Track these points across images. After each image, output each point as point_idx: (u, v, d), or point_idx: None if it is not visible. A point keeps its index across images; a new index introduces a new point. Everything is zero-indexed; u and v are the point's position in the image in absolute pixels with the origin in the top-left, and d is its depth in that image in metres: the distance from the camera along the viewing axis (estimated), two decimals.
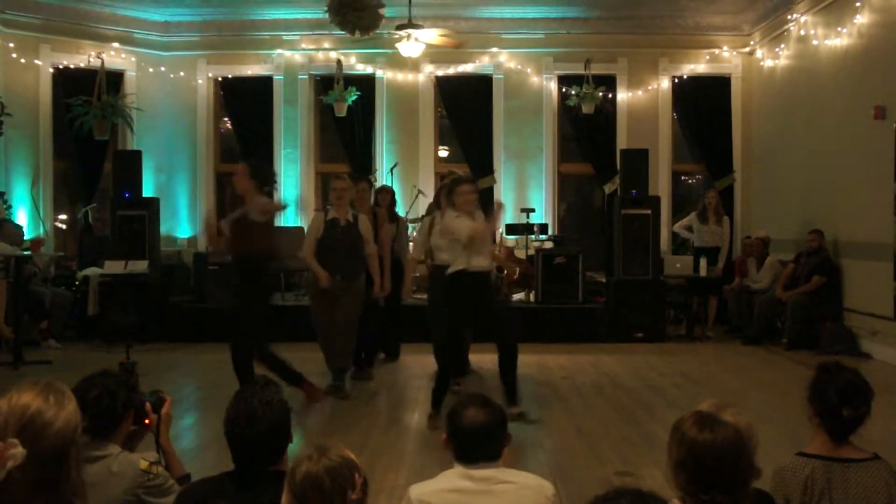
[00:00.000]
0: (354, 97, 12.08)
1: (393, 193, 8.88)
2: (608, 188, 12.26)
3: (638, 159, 10.62)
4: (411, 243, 10.80)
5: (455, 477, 2.71)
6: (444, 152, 13.18)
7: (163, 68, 12.59)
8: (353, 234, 7.11)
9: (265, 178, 6.50)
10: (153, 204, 10.85)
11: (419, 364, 8.58)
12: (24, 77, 11.45)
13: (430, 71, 12.48)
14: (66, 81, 11.69)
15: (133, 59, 12.38)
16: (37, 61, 11.54)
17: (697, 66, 12.38)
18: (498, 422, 2.76)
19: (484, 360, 8.19)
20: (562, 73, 12.49)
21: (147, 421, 3.03)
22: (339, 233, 7.06)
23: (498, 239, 11.14)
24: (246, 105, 12.72)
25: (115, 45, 12.13)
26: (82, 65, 11.77)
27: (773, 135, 11.65)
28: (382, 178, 12.00)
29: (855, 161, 9.31)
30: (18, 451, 1.74)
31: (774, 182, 11.59)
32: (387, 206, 8.47)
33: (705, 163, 12.51)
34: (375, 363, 8.32)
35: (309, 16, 11.91)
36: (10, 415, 1.83)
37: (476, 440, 2.71)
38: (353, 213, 7.20)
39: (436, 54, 11.99)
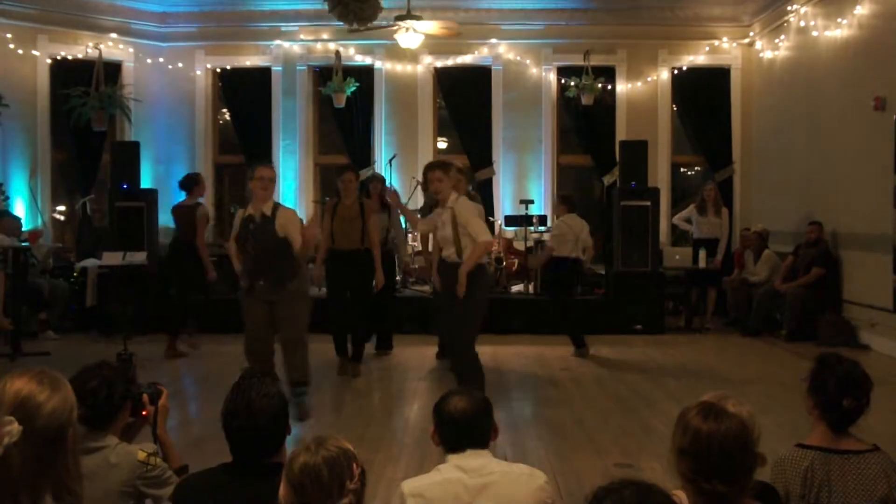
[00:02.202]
0: (353, 88, 12.05)
1: (384, 182, 8.79)
2: (607, 180, 12.25)
3: (637, 151, 10.59)
4: (410, 234, 10.81)
5: (447, 469, 2.73)
6: (442, 143, 13.16)
7: (161, 59, 12.56)
8: (268, 230, 6.05)
9: None
10: (151, 195, 10.83)
11: (416, 356, 8.59)
12: (22, 68, 11.41)
13: (428, 62, 12.45)
14: (64, 72, 11.66)
15: (131, 49, 12.35)
16: (34, 52, 11.50)
17: (697, 57, 12.35)
18: (482, 409, 2.82)
19: (484, 351, 8.20)
20: (561, 64, 12.46)
21: (144, 412, 3.03)
22: (253, 230, 6.12)
23: (497, 230, 11.14)
24: (244, 96, 12.68)
25: (113, 35, 12.09)
26: (80, 55, 11.73)
27: (773, 126, 11.64)
28: (381, 169, 11.98)
29: (854, 152, 9.29)
30: (14, 427, 1.76)
31: (774, 174, 11.58)
32: (378, 196, 8.41)
33: (704, 154, 12.50)
34: (364, 358, 8.03)
35: (307, 7, 11.88)
36: (3, 397, 1.88)
37: (461, 427, 2.76)
38: (274, 207, 6.19)
39: (435, 45, 11.95)
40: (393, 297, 8.94)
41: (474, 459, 2.73)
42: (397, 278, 10.80)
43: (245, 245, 6.15)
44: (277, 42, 12.52)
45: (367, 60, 12.50)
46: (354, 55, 12.45)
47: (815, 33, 10.23)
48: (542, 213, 11.76)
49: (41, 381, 1.90)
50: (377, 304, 8.21)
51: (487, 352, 8.57)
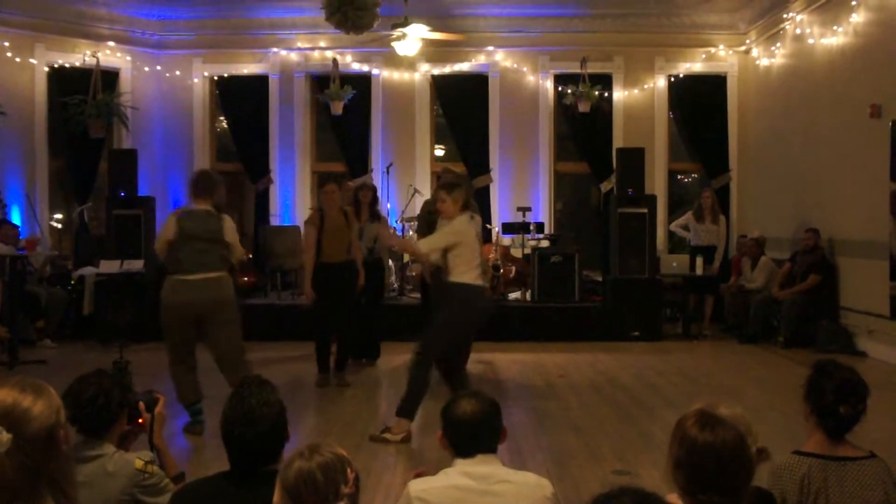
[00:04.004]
0: (350, 96, 12.06)
1: (374, 191, 8.78)
2: (604, 187, 12.26)
3: (634, 158, 10.60)
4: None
5: (455, 475, 2.72)
6: (440, 151, 13.18)
7: (158, 67, 12.57)
8: None
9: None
10: (149, 203, 10.83)
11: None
12: (20, 76, 11.41)
13: (426, 70, 12.47)
14: (62, 80, 11.66)
15: (128, 57, 12.36)
16: (32, 60, 11.51)
17: (693, 64, 12.38)
18: (491, 413, 2.80)
19: (481, 358, 8.19)
20: (558, 71, 12.48)
21: (141, 420, 3.03)
22: None
23: (494, 238, 11.14)
24: (242, 104, 12.69)
25: (111, 43, 12.10)
26: (77, 64, 11.73)
27: (769, 133, 11.66)
28: (379, 176, 11.99)
29: (851, 159, 9.31)
30: (3, 436, 1.75)
31: (770, 180, 11.60)
32: (368, 205, 8.39)
33: (701, 161, 12.52)
34: (348, 368, 7.87)
35: (305, 15, 11.90)
36: None
37: (471, 431, 2.74)
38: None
39: (432, 53, 11.98)
40: (380, 306, 8.87)
41: (483, 466, 2.72)
42: (395, 285, 10.83)
43: None
44: (275, 50, 12.54)
45: (365, 68, 12.52)
46: (352, 63, 12.47)
47: (811, 41, 10.26)
48: (540, 221, 11.77)
49: (23, 388, 1.88)
50: (365, 312, 8.20)
51: (485, 359, 8.59)
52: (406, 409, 5.78)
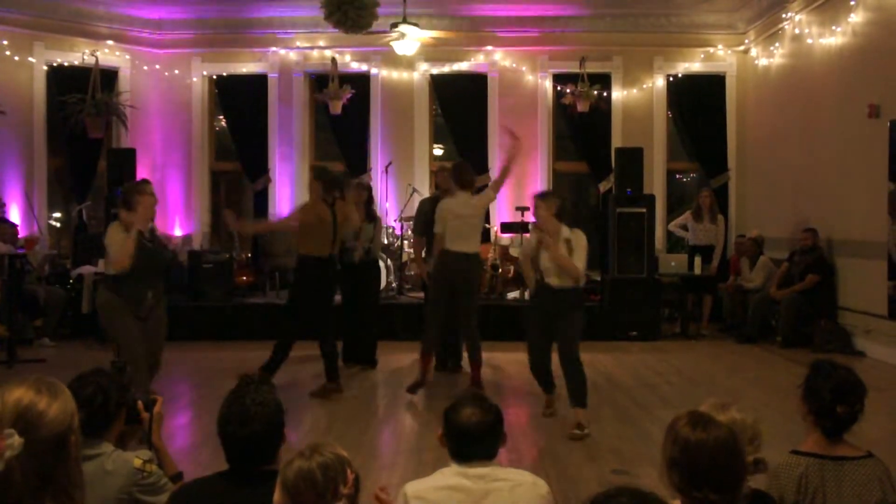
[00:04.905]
0: (349, 95, 12.04)
1: (370, 190, 8.77)
2: (603, 186, 12.26)
3: (633, 158, 10.61)
4: (406, 241, 10.78)
5: (451, 474, 2.72)
6: (438, 150, 13.17)
7: (157, 66, 12.57)
8: (158, 246, 6.39)
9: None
10: None
11: (411, 364, 8.56)
12: (18, 75, 11.42)
13: (424, 69, 12.47)
14: (60, 79, 11.66)
15: (127, 56, 12.36)
16: (31, 59, 11.51)
17: (692, 64, 12.39)
18: (494, 421, 2.78)
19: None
20: (557, 71, 12.48)
21: (139, 420, 3.03)
22: (150, 247, 6.23)
23: (493, 237, 11.15)
24: (240, 103, 12.69)
25: (110, 42, 12.10)
26: (76, 62, 11.73)
27: (768, 133, 11.67)
28: (377, 176, 11.99)
29: (849, 159, 9.32)
30: (15, 440, 1.73)
31: (769, 180, 11.61)
32: (363, 204, 8.39)
33: (700, 161, 12.52)
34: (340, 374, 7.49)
35: (304, 14, 11.90)
36: (3, 410, 1.83)
37: (472, 439, 2.73)
38: (151, 225, 6.40)
39: (430, 52, 11.98)
40: (377, 308, 8.88)
41: (480, 467, 2.72)
42: (394, 284, 10.82)
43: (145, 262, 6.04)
44: (274, 49, 12.54)
45: (364, 67, 12.52)
46: (350, 62, 12.47)
47: (809, 41, 10.27)
48: None
49: (39, 389, 1.86)
50: (362, 314, 8.27)
51: (484, 358, 8.57)
52: (583, 400, 6.10)
